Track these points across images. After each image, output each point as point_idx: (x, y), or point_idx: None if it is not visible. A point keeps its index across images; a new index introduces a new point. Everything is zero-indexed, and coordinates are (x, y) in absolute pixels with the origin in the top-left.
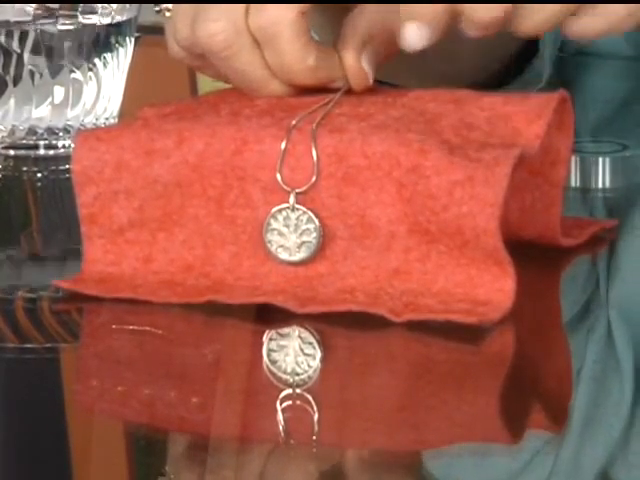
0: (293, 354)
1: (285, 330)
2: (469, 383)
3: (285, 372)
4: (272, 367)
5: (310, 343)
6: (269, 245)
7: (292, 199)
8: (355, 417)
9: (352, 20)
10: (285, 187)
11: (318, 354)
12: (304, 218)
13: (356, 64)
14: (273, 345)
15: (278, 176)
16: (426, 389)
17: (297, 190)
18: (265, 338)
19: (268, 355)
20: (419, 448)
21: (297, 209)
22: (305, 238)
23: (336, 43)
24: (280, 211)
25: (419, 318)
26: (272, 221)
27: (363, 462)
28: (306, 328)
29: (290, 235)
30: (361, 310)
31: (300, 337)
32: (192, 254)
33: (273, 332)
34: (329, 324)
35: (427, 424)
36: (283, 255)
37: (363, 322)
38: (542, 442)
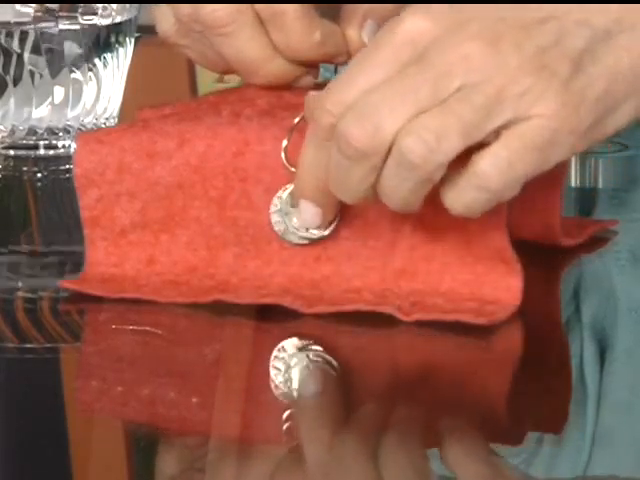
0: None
1: (280, 344)
2: (475, 381)
3: (294, 391)
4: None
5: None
6: (275, 227)
7: None
8: (359, 415)
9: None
10: (292, 169)
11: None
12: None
13: (359, 39)
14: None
15: (282, 156)
16: (433, 387)
17: None
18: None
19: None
20: (425, 447)
21: None
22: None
23: (339, 18)
24: (285, 191)
25: (428, 318)
26: (277, 202)
27: (369, 461)
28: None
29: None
30: (369, 310)
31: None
32: (196, 256)
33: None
34: (335, 322)
35: (434, 422)
36: (291, 237)
37: (369, 320)
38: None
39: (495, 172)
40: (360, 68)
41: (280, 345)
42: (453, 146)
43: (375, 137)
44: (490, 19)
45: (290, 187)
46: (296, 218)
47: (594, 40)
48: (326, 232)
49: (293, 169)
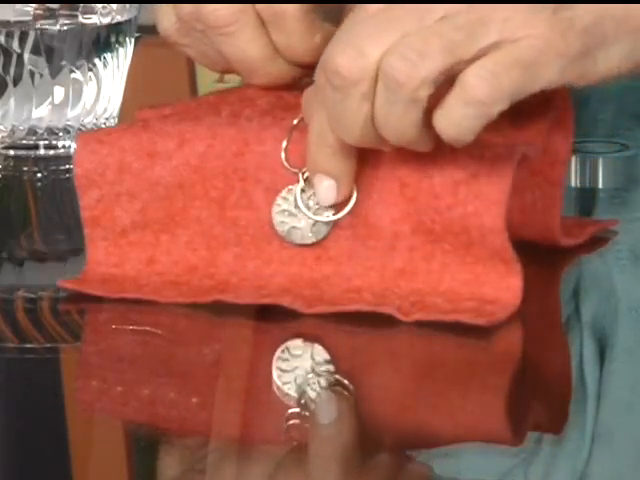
0: (304, 374)
1: (297, 350)
2: (475, 381)
3: (296, 391)
4: (283, 387)
5: (323, 361)
6: (278, 227)
7: (301, 180)
8: (361, 415)
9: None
10: (292, 169)
11: (330, 367)
12: (314, 199)
13: None
14: (284, 366)
15: (282, 155)
16: (433, 387)
17: (304, 169)
18: (275, 357)
19: (279, 376)
20: (425, 447)
21: (306, 191)
22: (318, 218)
23: (339, 21)
24: (290, 192)
25: (428, 318)
26: (280, 201)
27: (368, 461)
28: (317, 342)
29: (302, 216)
30: (369, 310)
31: (313, 358)
32: (196, 255)
33: (284, 350)
34: (335, 322)
35: (434, 423)
36: (295, 238)
37: (369, 320)
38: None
39: (480, 83)
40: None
41: (279, 345)
42: (436, 62)
43: (360, 62)
44: None
45: (294, 187)
46: (312, 200)
47: None
48: (335, 216)
49: (294, 170)
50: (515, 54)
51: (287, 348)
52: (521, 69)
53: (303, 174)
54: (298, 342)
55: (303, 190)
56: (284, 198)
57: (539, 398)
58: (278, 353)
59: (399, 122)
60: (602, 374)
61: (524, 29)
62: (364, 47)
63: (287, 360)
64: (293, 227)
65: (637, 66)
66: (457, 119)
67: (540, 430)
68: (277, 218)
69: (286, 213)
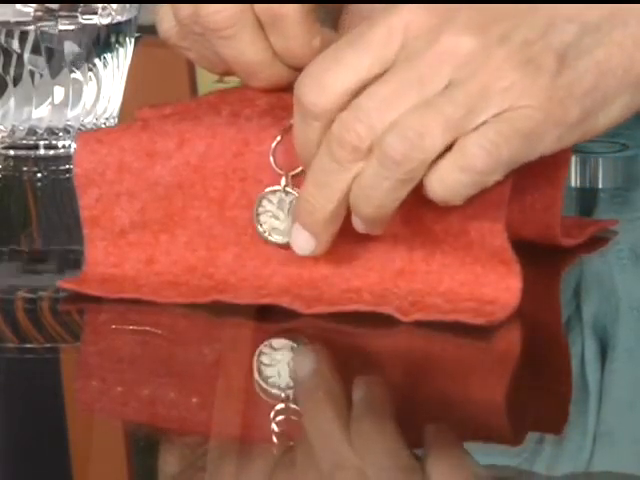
0: (287, 369)
1: (278, 344)
2: (475, 381)
3: (279, 387)
4: (264, 384)
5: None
6: (260, 227)
7: (284, 181)
8: (360, 415)
9: (353, 5)
10: (278, 170)
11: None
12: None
13: None
14: (266, 360)
15: (271, 159)
16: (433, 387)
17: (291, 173)
18: (256, 353)
19: (259, 372)
20: (425, 447)
21: (290, 193)
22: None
23: (338, 26)
24: (274, 193)
25: (427, 318)
26: (265, 203)
27: (367, 462)
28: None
29: (284, 218)
30: (368, 310)
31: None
32: (195, 256)
33: (266, 346)
34: (335, 322)
35: (433, 423)
36: (275, 238)
37: (369, 320)
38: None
39: (481, 152)
40: (349, 51)
41: (277, 343)
42: (435, 142)
43: (368, 134)
44: (478, 9)
45: (278, 188)
46: (290, 240)
47: (582, 34)
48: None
49: (279, 171)
50: (514, 125)
51: (273, 345)
52: (520, 140)
53: (288, 178)
54: (293, 340)
55: (287, 192)
56: (268, 199)
57: (539, 398)
58: (273, 351)
59: (383, 197)
60: (603, 374)
61: (523, 99)
62: (372, 120)
63: (283, 359)
64: (274, 228)
65: (636, 113)
66: (451, 184)
67: (541, 430)
68: (259, 218)
69: (269, 214)
